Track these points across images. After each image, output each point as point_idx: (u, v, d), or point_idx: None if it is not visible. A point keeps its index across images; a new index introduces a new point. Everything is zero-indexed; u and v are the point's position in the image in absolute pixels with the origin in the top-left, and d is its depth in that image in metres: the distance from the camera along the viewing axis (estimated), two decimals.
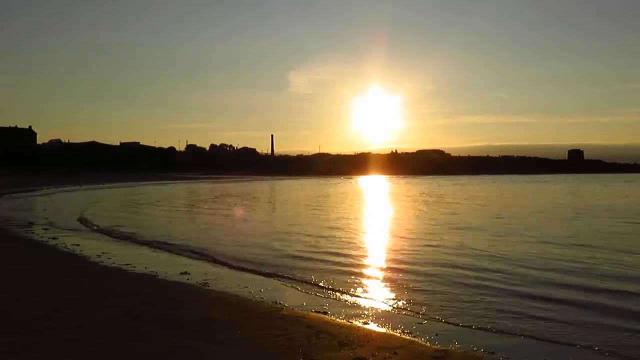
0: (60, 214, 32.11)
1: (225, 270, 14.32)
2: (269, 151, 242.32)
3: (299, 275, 13.50)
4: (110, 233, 22.49)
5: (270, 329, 8.21)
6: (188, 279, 12.84)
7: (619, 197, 51.73)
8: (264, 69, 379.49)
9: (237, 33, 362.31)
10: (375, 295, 11.56)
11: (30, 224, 25.64)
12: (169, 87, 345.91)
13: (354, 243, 19.62)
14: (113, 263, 14.91)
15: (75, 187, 74.33)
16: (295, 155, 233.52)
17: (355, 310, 10.09)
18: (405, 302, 10.72)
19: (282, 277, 13.36)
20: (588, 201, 46.25)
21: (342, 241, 19.96)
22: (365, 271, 14.23)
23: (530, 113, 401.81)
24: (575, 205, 40.80)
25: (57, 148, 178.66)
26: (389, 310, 10.20)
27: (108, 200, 49.53)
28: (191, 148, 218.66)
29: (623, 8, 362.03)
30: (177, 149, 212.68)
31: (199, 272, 13.84)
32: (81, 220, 28.14)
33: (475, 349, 7.74)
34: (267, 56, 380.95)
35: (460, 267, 14.28)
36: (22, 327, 8.05)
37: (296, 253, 17.03)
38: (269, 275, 13.63)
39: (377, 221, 30.40)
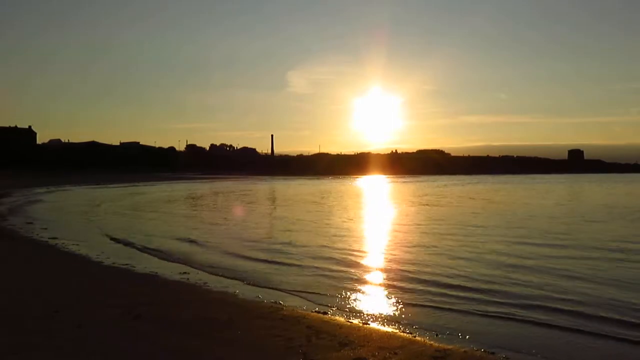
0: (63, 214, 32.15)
1: (224, 270, 14.31)
2: (269, 151, 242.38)
3: (299, 275, 13.51)
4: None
5: (270, 329, 8.21)
6: (188, 279, 12.85)
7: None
8: (263, 69, 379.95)
9: (236, 33, 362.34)
10: (375, 295, 11.56)
11: (30, 224, 25.62)
12: (169, 87, 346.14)
13: (354, 243, 19.60)
14: (113, 263, 14.92)
15: (74, 187, 74.27)
16: (295, 155, 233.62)
17: (355, 310, 10.09)
18: (405, 302, 10.73)
19: (282, 276, 13.37)
20: None
21: (343, 242, 19.95)
22: (365, 272, 14.22)
23: (530, 113, 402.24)
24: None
25: (57, 148, 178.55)
26: (389, 311, 10.19)
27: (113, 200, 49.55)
28: (191, 148, 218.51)
29: (623, 8, 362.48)
30: (177, 149, 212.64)
31: (198, 272, 13.84)
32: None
33: (475, 349, 7.74)
34: (267, 56, 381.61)
35: (460, 268, 14.28)
36: (22, 327, 8.05)
37: (297, 253, 17.03)
38: (269, 275, 13.63)
39: (378, 223, 30.37)
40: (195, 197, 55.23)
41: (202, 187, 79.18)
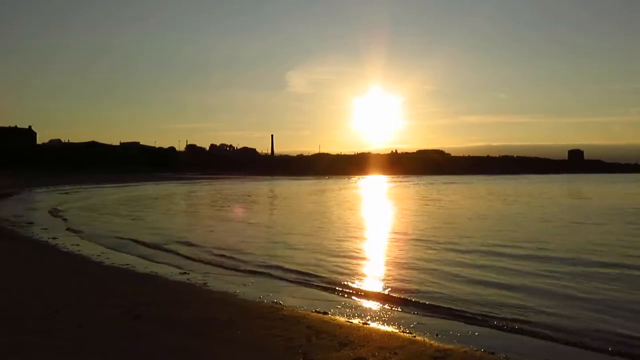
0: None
1: (225, 271, 14.32)
2: (269, 151, 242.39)
3: (299, 275, 13.51)
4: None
5: (270, 329, 8.21)
6: (188, 279, 12.84)
7: None
8: (263, 69, 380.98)
9: (236, 33, 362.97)
10: (375, 295, 11.55)
11: (30, 223, 25.62)
12: (169, 87, 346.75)
13: (354, 244, 19.61)
14: (113, 263, 14.92)
15: (74, 187, 74.18)
16: (295, 155, 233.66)
17: (355, 310, 10.09)
18: (405, 302, 10.73)
19: (282, 277, 13.37)
20: None
21: (342, 243, 19.95)
22: (364, 272, 14.23)
23: (530, 113, 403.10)
24: None
25: (57, 148, 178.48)
26: (389, 311, 10.20)
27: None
28: (191, 148, 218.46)
29: (623, 8, 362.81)
30: (177, 149, 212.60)
31: (198, 272, 13.85)
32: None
33: (475, 349, 7.73)
34: (267, 56, 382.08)
35: (460, 268, 14.28)
36: (22, 327, 8.05)
37: (296, 254, 17.04)
38: (269, 275, 13.63)
39: (379, 223, 30.37)
40: (190, 196, 55.28)
41: (200, 188, 79.16)
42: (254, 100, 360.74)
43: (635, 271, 13.66)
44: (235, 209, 37.65)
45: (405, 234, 22.06)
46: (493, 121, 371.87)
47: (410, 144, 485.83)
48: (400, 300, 10.86)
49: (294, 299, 10.88)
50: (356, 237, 21.30)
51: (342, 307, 10.36)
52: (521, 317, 9.54)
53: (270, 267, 14.56)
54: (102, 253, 16.67)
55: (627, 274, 13.22)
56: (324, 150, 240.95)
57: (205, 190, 70.80)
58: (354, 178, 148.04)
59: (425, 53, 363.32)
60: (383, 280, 13.03)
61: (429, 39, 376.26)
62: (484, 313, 9.82)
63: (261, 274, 13.74)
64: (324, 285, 12.39)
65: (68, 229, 23.64)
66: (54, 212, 32.47)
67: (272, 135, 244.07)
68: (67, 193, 58.09)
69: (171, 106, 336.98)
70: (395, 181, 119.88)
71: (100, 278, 12.82)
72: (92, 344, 7.31)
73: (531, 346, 8.13)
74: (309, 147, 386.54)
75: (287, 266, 14.58)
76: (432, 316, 9.73)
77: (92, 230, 23.30)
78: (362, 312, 9.98)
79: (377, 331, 8.60)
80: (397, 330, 8.72)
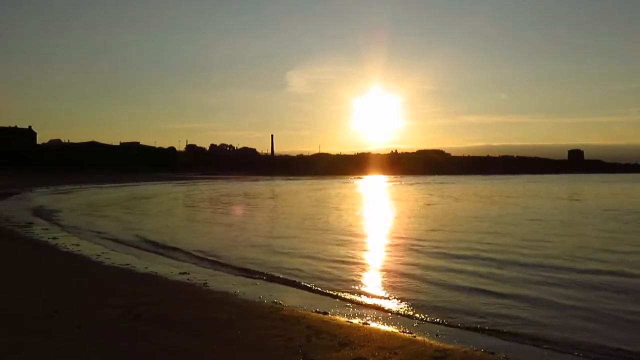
0: None
1: (224, 271, 14.31)
2: (269, 151, 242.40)
3: (299, 275, 13.50)
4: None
5: (270, 329, 8.21)
6: (188, 279, 12.84)
7: None
8: (263, 69, 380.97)
9: (236, 33, 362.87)
10: (376, 295, 11.55)
11: (30, 224, 25.61)
12: (169, 87, 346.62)
13: (351, 247, 19.61)
14: (113, 263, 14.92)
15: (74, 187, 74.18)
16: (295, 155, 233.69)
17: (355, 311, 10.10)
18: (405, 303, 10.73)
19: (282, 277, 13.37)
20: None
21: (340, 246, 19.95)
22: (365, 272, 14.24)
23: (530, 113, 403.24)
24: None
25: (57, 148, 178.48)
26: (389, 311, 10.20)
27: None
28: (191, 148, 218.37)
29: (623, 8, 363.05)
30: (177, 149, 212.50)
31: (198, 272, 13.85)
32: None
33: (475, 349, 7.73)
34: (267, 56, 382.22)
35: (460, 269, 14.28)
36: (22, 327, 8.05)
37: (296, 254, 17.03)
38: (269, 275, 13.62)
39: (376, 226, 30.36)
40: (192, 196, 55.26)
41: (200, 188, 79.17)
42: (254, 100, 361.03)
43: (633, 279, 13.38)
44: (234, 210, 37.64)
45: (402, 237, 21.83)
46: (493, 121, 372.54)
47: (410, 144, 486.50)
48: (397, 312, 10.77)
49: (294, 299, 10.89)
50: (353, 241, 21.23)
51: (342, 307, 10.36)
52: (519, 324, 9.44)
53: (270, 268, 14.56)
54: (102, 253, 16.68)
55: (622, 281, 12.90)
56: (324, 150, 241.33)
57: (204, 190, 70.81)
58: (352, 178, 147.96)
59: (425, 53, 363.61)
60: (381, 285, 13.03)
61: (429, 39, 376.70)
62: (479, 324, 9.39)
63: (261, 274, 13.73)
64: (323, 286, 12.39)
65: (65, 229, 23.65)
66: (52, 212, 32.48)
67: (272, 135, 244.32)
68: (66, 193, 58.11)
69: (171, 106, 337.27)
70: (395, 181, 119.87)
71: (100, 278, 12.82)
72: (92, 344, 7.31)
73: (530, 349, 8.12)
74: (309, 147, 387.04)
75: (286, 267, 14.60)
76: (432, 317, 9.73)
77: (90, 230, 23.31)
78: (362, 312, 9.98)
79: (377, 331, 8.60)
80: (397, 330, 8.72)
